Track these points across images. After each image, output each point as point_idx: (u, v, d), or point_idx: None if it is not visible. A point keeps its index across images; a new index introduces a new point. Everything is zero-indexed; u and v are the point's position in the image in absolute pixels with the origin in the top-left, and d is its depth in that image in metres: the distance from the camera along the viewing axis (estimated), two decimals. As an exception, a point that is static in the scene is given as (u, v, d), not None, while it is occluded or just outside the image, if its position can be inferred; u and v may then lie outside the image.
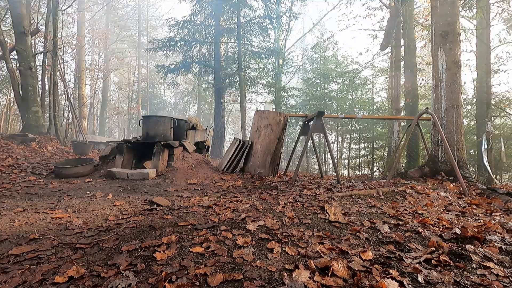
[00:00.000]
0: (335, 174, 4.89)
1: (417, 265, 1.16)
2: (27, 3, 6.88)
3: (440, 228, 1.69)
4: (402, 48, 7.53)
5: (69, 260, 1.17)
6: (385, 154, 9.45)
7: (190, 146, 3.85)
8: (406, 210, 2.08)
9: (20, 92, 6.41)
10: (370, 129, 10.31)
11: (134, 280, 1.00)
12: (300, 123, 9.65)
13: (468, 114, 8.61)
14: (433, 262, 1.20)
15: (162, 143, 3.39)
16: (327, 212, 1.88)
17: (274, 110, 11.02)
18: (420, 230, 1.60)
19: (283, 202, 2.16)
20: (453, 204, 2.42)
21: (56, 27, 6.98)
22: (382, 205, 2.17)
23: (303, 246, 1.34)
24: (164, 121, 3.66)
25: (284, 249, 1.30)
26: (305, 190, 2.65)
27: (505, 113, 7.98)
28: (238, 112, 15.53)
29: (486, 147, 5.40)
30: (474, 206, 2.39)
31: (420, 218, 1.83)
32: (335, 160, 6.66)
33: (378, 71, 12.17)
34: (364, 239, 1.47)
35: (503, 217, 2.06)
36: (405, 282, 1.03)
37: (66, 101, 8.14)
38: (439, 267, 1.17)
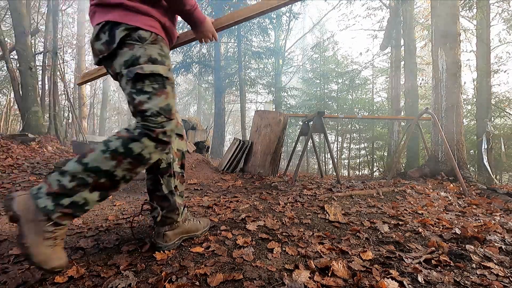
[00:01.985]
0: (335, 174, 4.89)
1: (417, 265, 1.16)
2: (27, 3, 6.89)
3: (440, 228, 1.69)
4: (402, 48, 7.53)
5: (69, 260, 1.17)
6: (385, 154, 9.45)
7: (190, 146, 3.85)
8: (406, 210, 2.08)
9: (20, 92, 6.41)
10: (370, 129, 10.31)
11: (134, 280, 1.00)
12: (300, 123, 9.66)
13: (468, 114, 8.61)
14: (433, 262, 1.20)
15: (162, 143, 3.39)
16: (327, 212, 1.88)
17: (274, 110, 11.03)
18: (420, 230, 1.60)
19: (283, 202, 2.16)
20: (453, 204, 2.42)
21: (56, 27, 6.99)
22: (382, 205, 2.17)
23: (303, 246, 1.34)
24: (164, 121, 3.66)
25: (284, 249, 1.30)
26: (305, 190, 2.66)
27: (505, 113, 7.99)
28: (238, 112, 15.54)
29: (486, 147, 5.40)
30: (474, 206, 2.39)
31: (420, 218, 1.83)
32: (335, 160, 6.66)
33: (378, 71, 12.18)
34: (364, 239, 1.47)
35: (503, 217, 2.06)
36: (405, 282, 1.03)
37: (66, 101, 8.15)
38: (439, 267, 1.17)
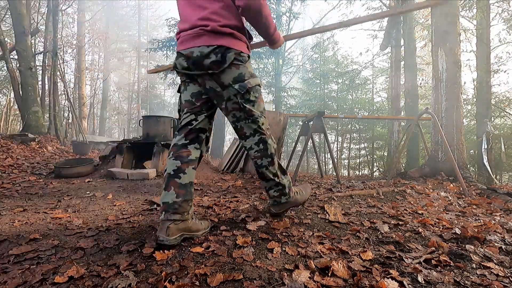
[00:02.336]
0: (335, 174, 4.89)
1: (417, 265, 1.16)
2: (27, 3, 6.88)
3: (440, 228, 1.69)
4: (402, 48, 7.53)
5: (69, 260, 1.17)
6: (385, 154, 9.45)
7: (190, 146, 3.85)
8: (406, 210, 2.08)
9: (20, 92, 6.41)
10: (370, 129, 10.32)
11: (134, 280, 1.00)
12: (300, 123, 9.65)
13: (468, 114, 8.62)
14: (433, 262, 1.20)
15: (162, 143, 3.39)
16: (327, 212, 1.88)
17: (274, 110, 11.02)
18: (420, 230, 1.60)
19: (283, 202, 2.16)
20: (453, 204, 2.42)
21: (56, 27, 6.99)
22: (382, 205, 2.17)
23: (303, 246, 1.34)
24: (164, 121, 3.66)
25: (284, 249, 1.30)
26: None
27: (505, 113, 7.99)
28: (238, 112, 15.49)
29: (486, 147, 5.40)
30: (474, 206, 2.39)
31: (420, 218, 1.83)
32: (335, 160, 6.65)
33: (378, 71, 12.19)
34: (364, 239, 1.47)
35: (503, 217, 2.06)
36: (405, 282, 1.03)
37: (66, 101, 8.15)
38: (439, 267, 1.17)
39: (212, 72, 1.33)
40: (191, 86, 1.46)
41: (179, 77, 1.52)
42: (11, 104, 10.96)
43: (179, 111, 1.53)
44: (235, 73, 1.34)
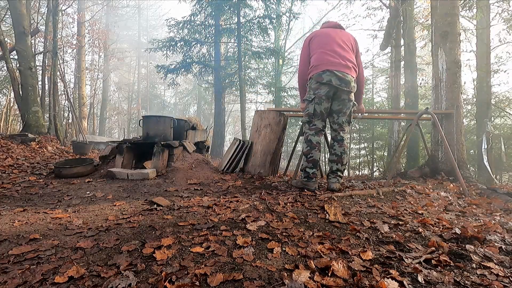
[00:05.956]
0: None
1: (417, 265, 1.16)
2: (27, 3, 6.88)
3: (440, 228, 1.69)
4: (402, 48, 7.52)
5: (69, 260, 1.17)
6: (385, 154, 9.44)
7: (190, 146, 3.85)
8: (406, 210, 2.08)
9: (20, 92, 6.40)
10: (370, 129, 10.30)
11: (134, 280, 1.00)
12: (300, 123, 9.64)
13: (468, 114, 8.61)
14: (433, 262, 1.20)
15: (162, 143, 3.39)
16: (327, 212, 1.88)
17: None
18: (420, 230, 1.60)
19: (283, 202, 2.16)
20: (453, 204, 2.42)
21: (56, 27, 6.98)
22: (382, 205, 2.17)
23: (303, 246, 1.34)
24: (164, 121, 3.66)
25: (284, 249, 1.30)
26: (305, 190, 2.65)
27: (505, 113, 7.99)
28: (238, 112, 15.52)
29: (486, 147, 5.40)
30: (474, 206, 2.39)
31: (420, 218, 1.83)
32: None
33: (378, 71, 12.18)
34: (364, 239, 1.47)
35: (503, 217, 2.06)
36: (405, 282, 1.03)
37: (66, 101, 8.15)
38: (439, 267, 1.17)
39: (350, 91, 2.45)
40: (324, 103, 2.44)
41: (317, 91, 2.43)
42: (11, 104, 10.94)
43: (310, 115, 2.50)
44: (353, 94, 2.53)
